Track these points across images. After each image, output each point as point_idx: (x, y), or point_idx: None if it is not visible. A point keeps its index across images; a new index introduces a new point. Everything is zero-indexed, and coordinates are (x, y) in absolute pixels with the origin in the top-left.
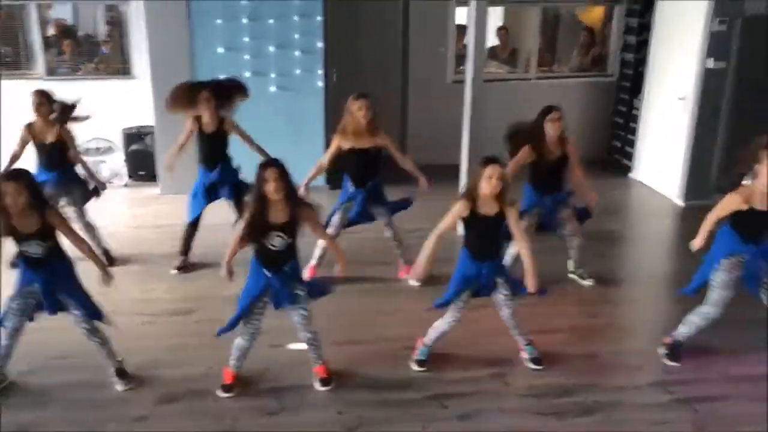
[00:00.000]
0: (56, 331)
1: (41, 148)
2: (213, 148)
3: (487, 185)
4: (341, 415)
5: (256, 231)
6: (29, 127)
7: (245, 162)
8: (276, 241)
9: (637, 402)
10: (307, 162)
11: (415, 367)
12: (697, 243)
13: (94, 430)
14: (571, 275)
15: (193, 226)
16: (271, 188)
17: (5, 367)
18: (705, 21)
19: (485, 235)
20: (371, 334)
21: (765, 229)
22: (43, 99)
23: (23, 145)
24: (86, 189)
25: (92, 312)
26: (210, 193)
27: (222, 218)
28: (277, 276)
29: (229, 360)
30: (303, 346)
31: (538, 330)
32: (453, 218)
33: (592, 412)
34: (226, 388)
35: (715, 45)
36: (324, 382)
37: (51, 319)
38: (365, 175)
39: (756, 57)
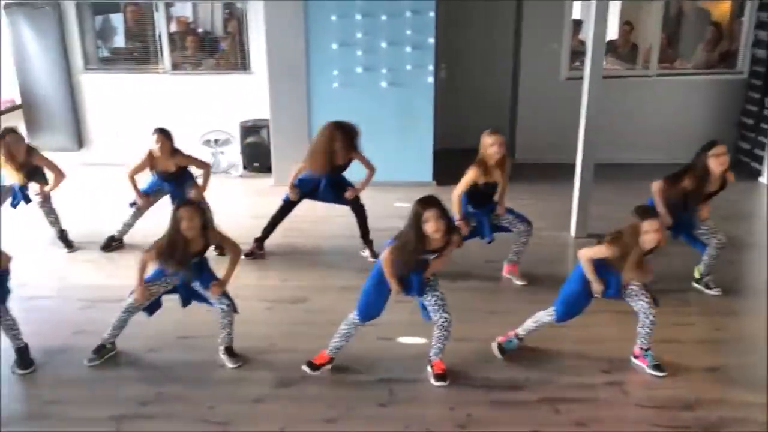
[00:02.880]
0: (179, 311)
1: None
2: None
3: (646, 240)
4: (452, 412)
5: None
6: (150, 156)
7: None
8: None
9: (766, 420)
10: (416, 157)
11: (496, 353)
12: None
13: (214, 406)
14: (696, 285)
15: (284, 212)
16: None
17: (115, 338)
18: None
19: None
20: (481, 332)
21: None
22: (165, 138)
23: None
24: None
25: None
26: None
27: (335, 210)
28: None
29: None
30: (414, 340)
31: (659, 339)
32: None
33: (716, 428)
34: (313, 366)
35: None
36: (440, 377)
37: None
38: (485, 202)
39: None
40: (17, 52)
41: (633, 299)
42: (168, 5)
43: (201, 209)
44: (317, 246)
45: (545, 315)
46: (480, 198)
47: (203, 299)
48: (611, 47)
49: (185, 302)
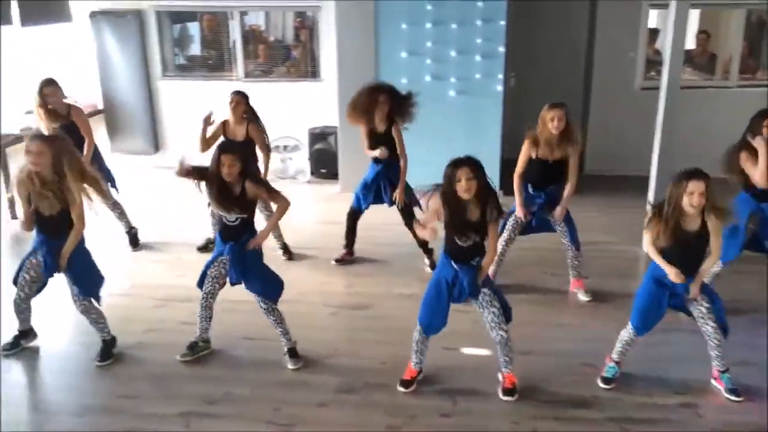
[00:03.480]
0: (244, 312)
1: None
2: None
3: (690, 202)
4: (516, 425)
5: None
6: (224, 123)
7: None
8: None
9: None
10: (483, 165)
11: (601, 385)
12: None
13: (279, 408)
14: None
15: (354, 218)
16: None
17: (208, 334)
18: None
19: (688, 250)
20: (546, 346)
21: None
22: (241, 99)
23: (215, 137)
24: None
25: (270, 292)
26: (376, 189)
27: (394, 217)
28: (465, 269)
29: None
30: (478, 351)
31: (735, 362)
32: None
33: None
34: (404, 384)
35: None
36: (508, 391)
37: (246, 301)
38: (546, 183)
39: None
40: (101, 59)
41: (700, 321)
42: (242, 14)
43: (243, 158)
44: (379, 253)
45: (624, 332)
46: (536, 176)
47: (249, 285)
48: (688, 57)
49: (233, 282)
